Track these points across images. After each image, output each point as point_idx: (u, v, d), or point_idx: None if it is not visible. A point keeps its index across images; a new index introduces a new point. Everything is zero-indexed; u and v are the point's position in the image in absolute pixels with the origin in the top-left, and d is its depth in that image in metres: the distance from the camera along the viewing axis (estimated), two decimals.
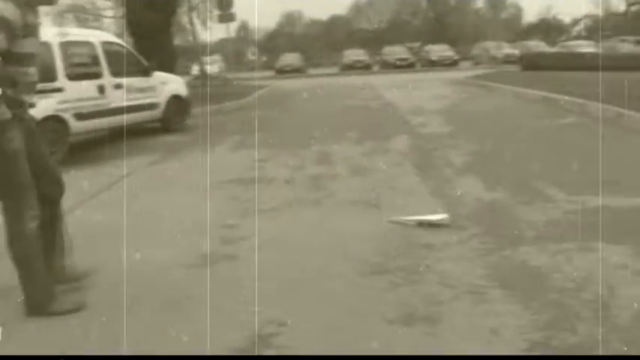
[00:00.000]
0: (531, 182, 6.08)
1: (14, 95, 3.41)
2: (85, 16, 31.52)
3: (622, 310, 3.27)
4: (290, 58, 43.17)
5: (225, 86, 22.27)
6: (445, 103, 14.68)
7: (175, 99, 12.01)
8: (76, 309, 3.57)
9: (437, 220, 4.84)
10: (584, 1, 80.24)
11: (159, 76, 11.76)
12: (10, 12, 3.28)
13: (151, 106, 11.28)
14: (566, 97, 12.67)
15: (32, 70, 3.55)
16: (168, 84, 12.05)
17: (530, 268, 3.91)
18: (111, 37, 11.90)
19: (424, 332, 3.14)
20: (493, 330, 3.12)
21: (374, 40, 56.98)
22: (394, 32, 57.59)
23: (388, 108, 14.16)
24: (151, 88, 11.37)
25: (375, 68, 40.51)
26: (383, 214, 5.17)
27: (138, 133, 11.02)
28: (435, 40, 46.73)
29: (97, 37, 10.73)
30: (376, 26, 63.52)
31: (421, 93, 17.62)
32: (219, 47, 46.77)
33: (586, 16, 59.86)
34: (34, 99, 3.73)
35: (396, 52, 41.56)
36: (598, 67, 22.42)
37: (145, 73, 11.30)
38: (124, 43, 12.03)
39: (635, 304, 3.32)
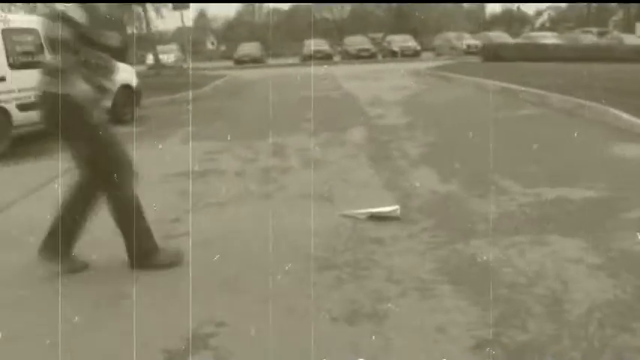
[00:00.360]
0: (487, 174, 6.06)
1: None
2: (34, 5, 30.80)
3: (575, 305, 3.24)
4: (249, 48, 42.74)
5: (181, 76, 21.95)
6: (405, 94, 14.67)
7: (125, 89, 11.74)
8: (178, 262, 4.02)
9: (388, 212, 4.78)
10: None
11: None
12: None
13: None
14: (527, 89, 12.76)
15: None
16: (118, 73, 11.76)
17: (480, 263, 3.87)
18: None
19: (369, 330, 3.07)
20: (440, 327, 3.06)
21: (336, 30, 57.02)
22: (356, 22, 57.65)
23: (347, 99, 14.10)
24: None
25: (337, 58, 40.43)
26: (334, 208, 5.10)
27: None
28: (398, 31, 46.88)
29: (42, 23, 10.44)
30: (338, 16, 63.50)
31: (381, 84, 17.60)
32: (176, 36, 46.30)
33: (549, 8, 60.80)
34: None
35: (357, 42, 41.54)
36: (561, 59, 22.81)
37: None
38: None
39: (589, 300, 3.29)
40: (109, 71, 3.91)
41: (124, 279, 3.84)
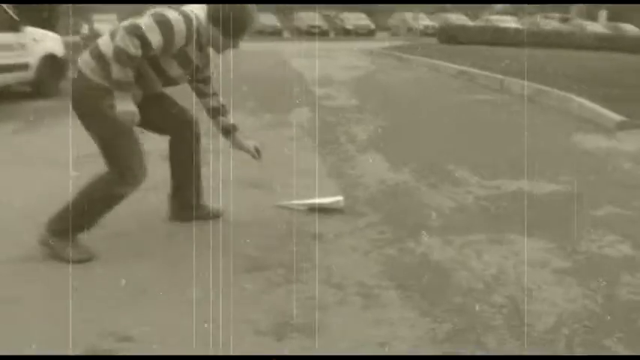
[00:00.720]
0: (441, 163, 5.76)
1: None
2: None
3: (539, 317, 2.93)
4: None
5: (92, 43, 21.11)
6: (355, 74, 14.32)
7: (50, 59, 11.11)
8: (217, 215, 4.27)
9: (330, 203, 4.43)
10: None
11: (31, 32, 10.84)
12: None
13: (20, 67, 10.35)
14: (485, 72, 12.56)
15: None
16: (43, 42, 11.13)
17: (432, 264, 3.54)
18: None
19: (300, 346, 2.70)
20: (382, 343, 2.71)
21: (286, 5, 56.25)
22: None
23: (293, 77, 13.66)
24: (20, 46, 10.46)
25: (287, 35, 39.91)
26: (270, 198, 4.71)
27: (4, 97, 10.13)
28: (352, 9, 46.46)
29: None
30: None
31: (331, 62, 17.19)
32: (120, 7, 44.98)
33: None
34: None
35: (309, 18, 41.05)
36: (521, 44, 22.77)
37: (13, 28, 10.38)
38: None
39: (554, 310, 3.00)
40: None
41: None
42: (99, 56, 3.49)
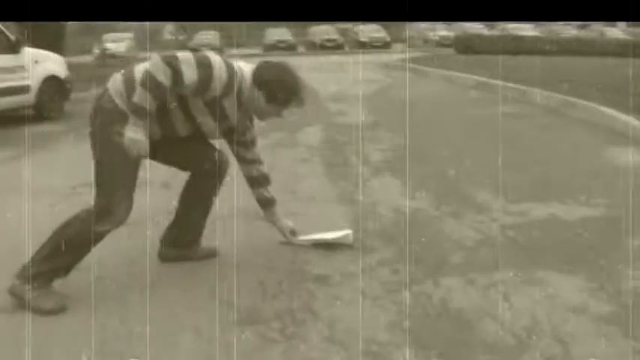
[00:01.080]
0: (463, 185, 5.29)
1: None
2: None
3: None
4: (207, 37, 41.62)
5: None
6: (371, 88, 13.86)
7: (52, 81, 10.77)
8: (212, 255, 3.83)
9: (337, 238, 3.97)
10: None
11: (31, 53, 10.51)
12: None
13: (20, 90, 10.01)
14: (506, 83, 12.06)
15: None
16: (44, 63, 10.80)
17: (453, 312, 3.06)
18: None
19: None
20: None
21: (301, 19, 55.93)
22: (322, 10, 56.72)
23: (306, 93, 13.24)
24: (20, 68, 10.13)
25: (301, 49, 39.57)
26: (273, 232, 4.24)
27: (4, 121, 9.77)
28: (367, 20, 45.97)
29: None
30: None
31: (346, 76, 16.78)
32: (133, 26, 44.93)
33: None
34: None
35: (323, 32, 40.67)
36: (539, 52, 22.26)
37: (12, 49, 10.05)
38: None
39: None
40: None
41: None
42: (129, 80, 3.22)
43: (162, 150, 3.42)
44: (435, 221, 4.46)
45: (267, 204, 3.89)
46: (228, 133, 3.63)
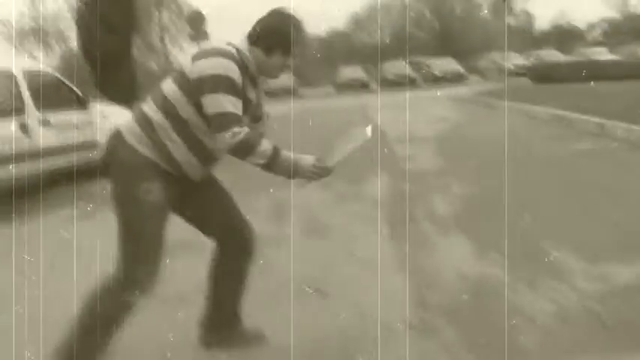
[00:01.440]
0: (538, 244, 4.79)
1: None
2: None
3: None
4: (281, 78, 41.70)
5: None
6: (441, 127, 13.40)
7: None
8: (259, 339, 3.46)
9: (358, 140, 3.23)
10: (600, 3, 79.43)
11: (98, 108, 10.53)
12: None
13: (87, 146, 9.98)
14: (584, 116, 11.41)
15: None
16: (111, 117, 10.79)
17: None
18: (37, 65, 10.73)
19: None
20: None
21: (374, 56, 55.82)
22: (396, 46, 56.39)
23: (373, 136, 12.86)
24: (87, 124, 10.13)
25: (374, 86, 39.25)
26: (323, 305, 3.86)
27: (68, 178, 9.67)
28: (441, 53, 45.33)
29: (19, 66, 9.53)
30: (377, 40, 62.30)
31: (417, 115, 16.32)
32: None
33: (602, 20, 58.87)
34: None
35: (396, 67, 40.25)
36: (619, 77, 21.24)
37: (79, 105, 10.08)
38: (53, 71, 10.80)
39: None
40: None
41: None
42: (145, 122, 2.96)
43: (186, 205, 3.14)
44: (508, 290, 3.98)
45: (275, 154, 3.07)
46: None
